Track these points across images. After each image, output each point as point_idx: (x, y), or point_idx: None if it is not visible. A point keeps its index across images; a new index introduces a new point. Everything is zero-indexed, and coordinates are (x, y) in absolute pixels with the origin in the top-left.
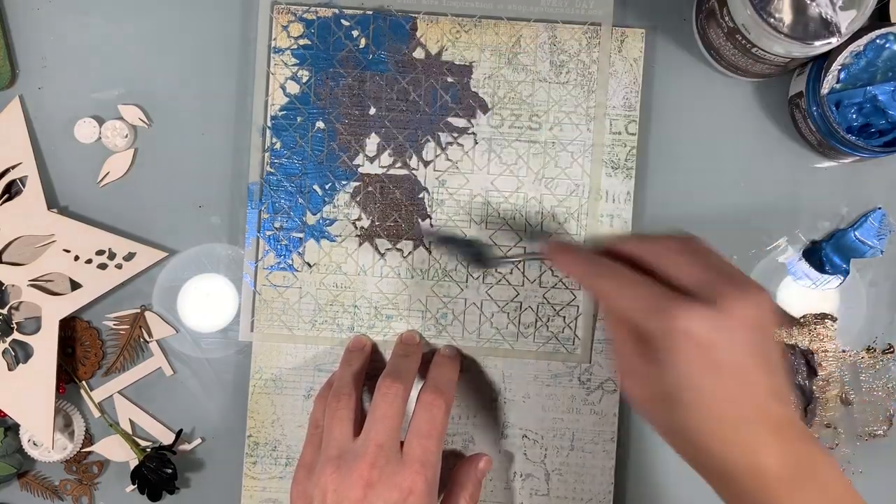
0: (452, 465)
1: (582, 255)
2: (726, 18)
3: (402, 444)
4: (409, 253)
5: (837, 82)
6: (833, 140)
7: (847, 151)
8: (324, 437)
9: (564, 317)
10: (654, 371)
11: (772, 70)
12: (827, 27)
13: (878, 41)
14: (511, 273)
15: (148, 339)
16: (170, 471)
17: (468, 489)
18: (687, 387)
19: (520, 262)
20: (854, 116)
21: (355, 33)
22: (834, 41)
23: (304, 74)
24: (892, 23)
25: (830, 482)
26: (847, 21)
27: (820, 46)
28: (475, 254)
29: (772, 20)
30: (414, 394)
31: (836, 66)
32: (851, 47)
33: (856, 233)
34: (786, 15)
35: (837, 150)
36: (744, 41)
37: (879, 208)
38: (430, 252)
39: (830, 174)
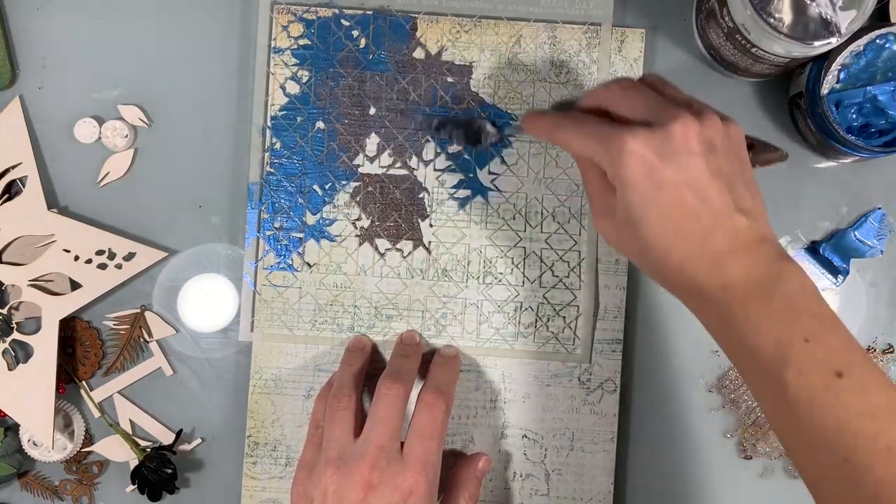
0: (452, 464)
1: (547, 115)
2: (726, 18)
3: (402, 444)
4: (409, 253)
5: (837, 82)
6: (833, 140)
7: (847, 151)
8: (324, 437)
9: (564, 317)
10: (614, 201)
11: (771, 70)
12: (827, 27)
13: (878, 41)
14: (510, 273)
15: (148, 339)
16: (170, 471)
17: (468, 489)
18: (642, 207)
19: (508, 136)
20: (854, 116)
21: (355, 33)
22: (834, 41)
23: (304, 74)
24: (892, 23)
25: (796, 290)
26: (847, 21)
27: (820, 46)
28: (472, 134)
29: (772, 20)
30: (414, 394)
31: (836, 66)
32: (851, 47)
33: (856, 233)
34: (786, 15)
35: (837, 150)
36: (744, 41)
37: (879, 208)
38: (429, 252)
39: (830, 174)
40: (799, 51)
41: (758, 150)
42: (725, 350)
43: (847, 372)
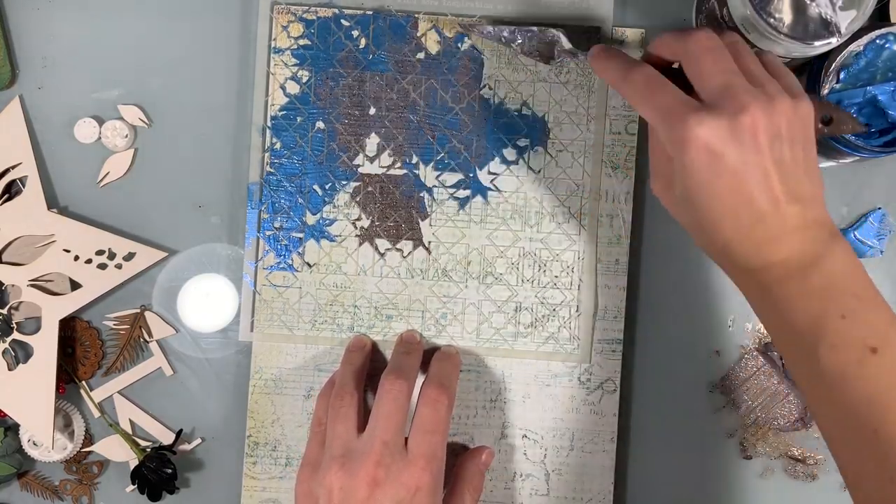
0: (453, 460)
1: (617, 60)
2: (726, 18)
3: (406, 440)
4: (409, 253)
5: (837, 82)
6: (833, 140)
7: (847, 151)
8: (327, 435)
9: (564, 317)
10: (674, 173)
11: None
12: (827, 27)
13: (878, 41)
14: (509, 273)
15: (148, 339)
16: (170, 471)
17: (472, 483)
18: (699, 192)
19: (574, 58)
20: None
21: (355, 33)
22: (834, 41)
23: (304, 74)
24: (892, 23)
25: (838, 269)
26: (847, 21)
27: (820, 47)
28: (545, 45)
29: (771, 20)
30: (415, 393)
31: (836, 66)
32: (851, 47)
33: (856, 233)
34: (785, 15)
35: (837, 150)
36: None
37: (879, 208)
38: (429, 252)
39: (830, 174)
40: (799, 51)
41: (835, 123)
42: (765, 325)
43: (882, 348)
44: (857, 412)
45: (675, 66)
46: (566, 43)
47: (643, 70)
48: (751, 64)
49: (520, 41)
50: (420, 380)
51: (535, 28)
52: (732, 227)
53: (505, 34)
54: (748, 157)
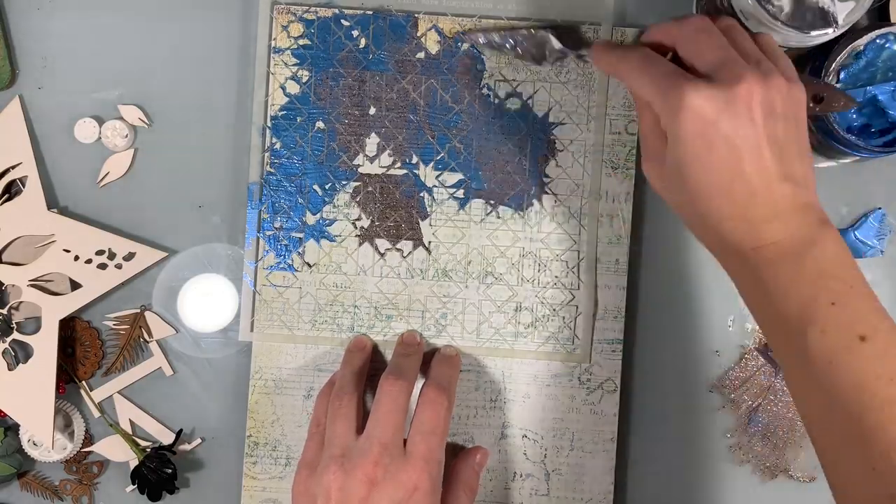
0: (449, 460)
1: (612, 47)
2: (725, 4)
3: (404, 441)
4: (409, 253)
5: (837, 82)
6: (833, 140)
7: (847, 151)
8: (326, 435)
9: (564, 317)
10: (664, 148)
11: None
12: (825, 17)
13: (878, 41)
14: (509, 273)
15: (148, 339)
16: (170, 471)
17: (466, 482)
18: (692, 164)
19: (572, 56)
20: (854, 116)
21: (355, 33)
22: (831, 32)
23: (304, 74)
24: (892, 23)
25: (829, 256)
26: (845, 12)
27: (817, 37)
28: (537, 48)
29: (771, 7)
30: (415, 393)
31: (835, 66)
32: (851, 47)
33: (856, 233)
34: (784, 3)
35: (837, 150)
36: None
37: (879, 208)
38: (429, 252)
39: (830, 174)
40: (795, 40)
41: (826, 101)
42: (752, 310)
43: (871, 337)
44: (843, 398)
45: (669, 57)
46: (556, 43)
47: (639, 48)
48: (746, 42)
49: (511, 44)
50: (420, 381)
51: (524, 31)
52: (725, 203)
53: (496, 39)
54: (743, 128)
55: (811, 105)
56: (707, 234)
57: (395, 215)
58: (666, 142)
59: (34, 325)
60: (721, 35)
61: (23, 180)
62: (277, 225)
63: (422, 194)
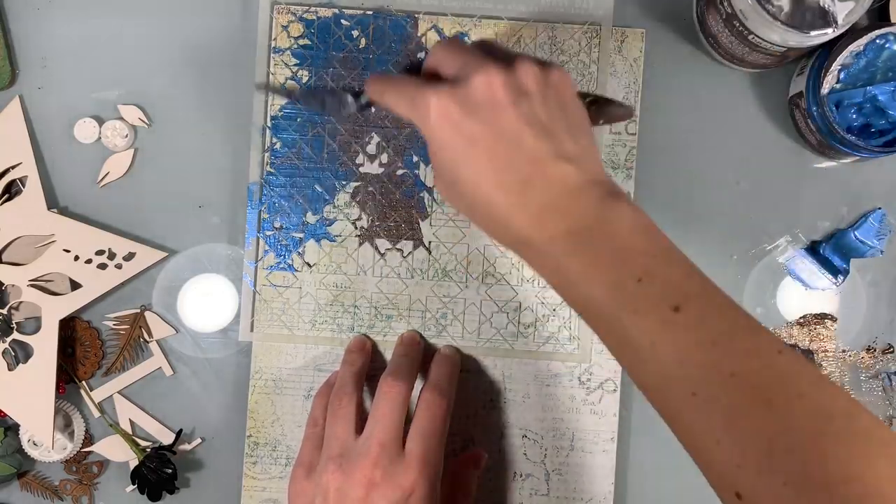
0: (447, 462)
1: (379, 79)
2: (725, 4)
3: (403, 443)
4: (409, 253)
5: (837, 82)
6: (833, 140)
7: (847, 151)
8: (325, 436)
9: (564, 317)
10: (436, 161)
11: (768, 61)
12: (824, 17)
13: (878, 41)
14: (509, 273)
15: (148, 339)
16: (170, 471)
17: (464, 486)
18: (456, 164)
19: (367, 107)
20: (854, 116)
21: (355, 33)
22: (830, 32)
23: (304, 74)
24: (892, 23)
25: (625, 230)
26: (845, 12)
27: (816, 37)
28: (331, 104)
29: (771, 7)
30: (415, 394)
31: (836, 66)
32: (851, 47)
33: (856, 233)
34: (784, 3)
35: (837, 150)
36: (741, 28)
37: (879, 208)
38: (429, 252)
39: (830, 174)
40: (795, 40)
41: (600, 106)
42: (568, 303)
43: (684, 304)
44: (673, 375)
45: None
46: (350, 98)
47: (398, 78)
48: (497, 49)
49: (309, 101)
50: (420, 381)
51: (321, 87)
52: (502, 196)
53: (297, 94)
54: (492, 115)
55: (593, 116)
56: (498, 233)
57: (396, 215)
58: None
59: (34, 325)
60: (468, 48)
61: (23, 180)
62: (277, 225)
63: (422, 194)
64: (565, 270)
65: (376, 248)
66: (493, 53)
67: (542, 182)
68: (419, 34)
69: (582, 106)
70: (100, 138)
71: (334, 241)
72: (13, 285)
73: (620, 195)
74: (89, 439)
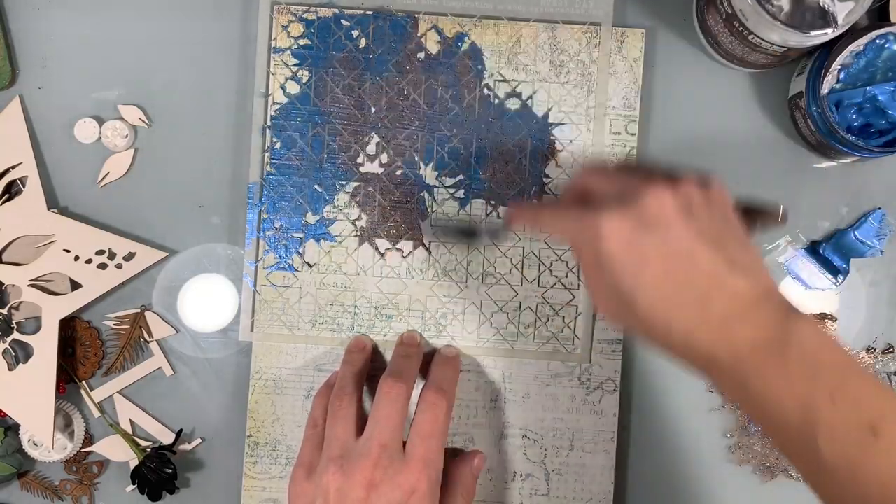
0: (447, 463)
1: (528, 207)
2: (725, 4)
3: (404, 443)
4: (409, 253)
5: (837, 82)
6: (833, 140)
7: (847, 151)
8: (325, 436)
9: (564, 317)
10: (607, 282)
11: (768, 61)
12: (824, 17)
13: (878, 41)
14: (510, 273)
15: (148, 339)
16: (170, 471)
17: (464, 486)
18: (632, 285)
19: (503, 234)
20: (854, 116)
21: (355, 33)
22: (830, 32)
23: (304, 74)
24: (892, 23)
25: (812, 344)
26: (844, 12)
27: (816, 37)
28: (470, 237)
29: (771, 7)
30: (415, 394)
31: (836, 66)
32: (851, 47)
33: (856, 233)
34: (784, 3)
35: (837, 150)
36: (741, 27)
37: (879, 208)
38: (429, 252)
39: (830, 174)
40: (795, 40)
41: (751, 214)
42: (750, 416)
43: (880, 426)
44: (872, 499)
45: None
46: (486, 235)
47: (551, 204)
48: (650, 168)
49: (449, 236)
50: (420, 382)
51: (458, 225)
52: (682, 314)
53: (436, 232)
54: (665, 233)
55: (748, 225)
56: (678, 350)
57: (395, 215)
58: (602, 273)
59: (34, 325)
60: (625, 169)
61: (23, 180)
62: (277, 225)
63: (422, 194)
64: (752, 388)
65: (376, 248)
66: (654, 172)
67: (721, 295)
68: (419, 34)
69: (739, 218)
70: (100, 138)
71: (334, 241)
72: (13, 285)
73: (796, 308)
74: (89, 439)
